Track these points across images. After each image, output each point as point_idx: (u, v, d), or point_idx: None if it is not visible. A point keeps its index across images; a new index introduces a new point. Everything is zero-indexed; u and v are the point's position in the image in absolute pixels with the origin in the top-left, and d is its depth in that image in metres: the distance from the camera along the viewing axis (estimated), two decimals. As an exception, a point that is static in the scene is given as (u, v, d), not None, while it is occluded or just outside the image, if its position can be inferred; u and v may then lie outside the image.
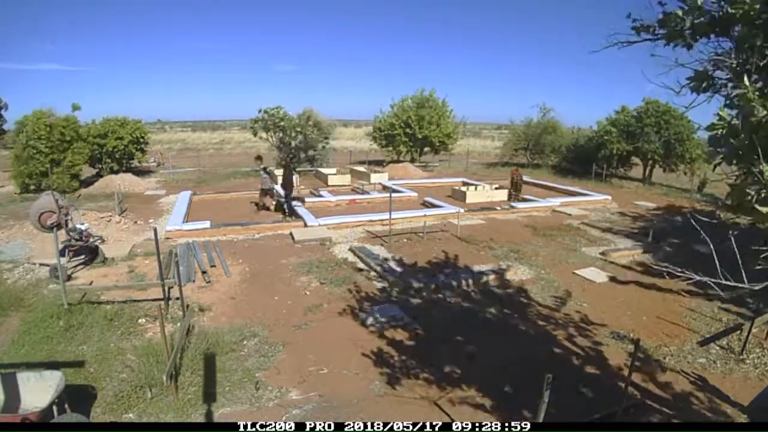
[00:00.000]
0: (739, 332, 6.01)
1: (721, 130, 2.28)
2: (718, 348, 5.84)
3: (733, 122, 2.23)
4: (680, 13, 2.68)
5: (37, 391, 3.84)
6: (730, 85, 2.61)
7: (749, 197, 2.23)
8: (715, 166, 2.47)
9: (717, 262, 2.63)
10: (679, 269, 2.84)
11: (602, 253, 9.70)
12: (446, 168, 24.89)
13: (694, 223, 3.25)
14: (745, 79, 2.15)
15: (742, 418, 4.42)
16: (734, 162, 2.36)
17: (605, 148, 20.90)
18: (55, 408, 3.74)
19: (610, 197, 16.01)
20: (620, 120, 21.44)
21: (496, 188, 16.07)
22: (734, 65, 2.52)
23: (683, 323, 6.56)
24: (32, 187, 15.58)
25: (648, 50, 2.92)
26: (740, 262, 2.65)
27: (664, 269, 3.28)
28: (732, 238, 2.61)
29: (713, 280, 2.55)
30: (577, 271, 8.55)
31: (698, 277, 2.61)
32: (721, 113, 2.29)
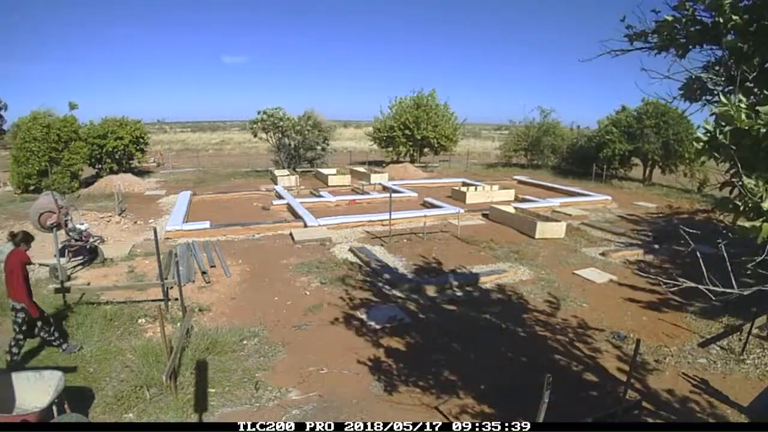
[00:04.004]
0: (739, 333, 6.02)
1: (704, 144, 2.28)
2: (718, 348, 5.84)
3: (717, 135, 2.22)
4: (671, 19, 2.69)
5: (37, 391, 3.83)
6: (719, 96, 2.62)
7: (737, 206, 2.23)
8: (702, 163, 2.52)
9: (704, 269, 2.66)
10: (668, 278, 2.85)
11: (602, 254, 9.69)
12: (446, 168, 24.90)
13: (684, 230, 3.23)
14: (721, 97, 2.15)
15: (742, 419, 4.41)
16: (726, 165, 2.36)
17: (607, 148, 20.91)
18: (54, 408, 3.74)
19: (610, 198, 16.02)
20: (621, 120, 21.45)
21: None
22: (723, 75, 2.53)
23: (683, 324, 6.56)
24: (32, 187, 15.60)
25: (643, 56, 2.93)
26: (730, 269, 2.66)
27: (653, 276, 3.31)
28: (722, 246, 2.61)
29: (704, 286, 2.55)
30: (577, 272, 8.55)
31: (688, 284, 2.61)
32: (706, 126, 2.29)
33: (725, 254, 2.60)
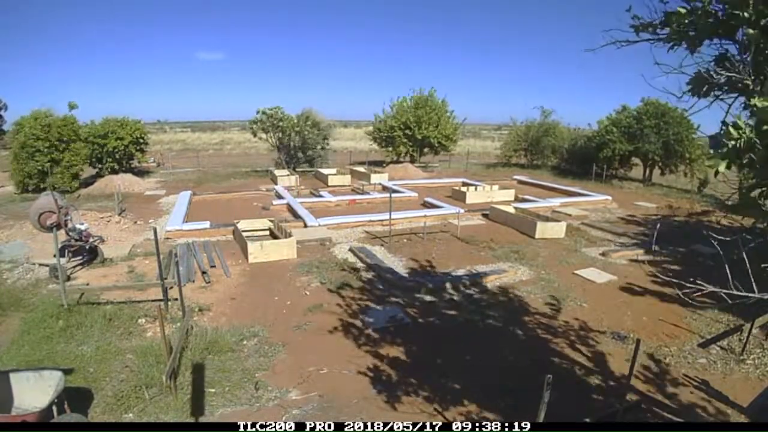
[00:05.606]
0: (739, 333, 6.02)
1: (737, 141, 2.05)
2: (718, 349, 5.83)
3: (750, 135, 2.00)
4: (683, 11, 2.58)
5: (37, 392, 3.83)
6: (735, 94, 2.49)
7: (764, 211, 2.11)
8: (716, 173, 2.23)
9: (729, 273, 2.53)
10: (689, 280, 2.73)
11: (602, 254, 9.68)
12: (446, 168, 24.89)
13: (714, 237, 3.06)
14: None
15: (742, 419, 4.41)
16: (747, 171, 2.19)
17: (607, 148, 20.90)
18: (54, 408, 3.73)
19: (610, 198, 16.00)
20: (621, 120, 21.45)
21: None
22: (747, 72, 2.38)
23: (684, 324, 6.56)
24: (31, 187, 15.60)
25: (649, 49, 2.83)
26: (750, 271, 2.53)
27: (673, 280, 3.16)
28: (742, 249, 2.49)
29: (725, 291, 2.45)
30: (577, 272, 8.54)
31: (710, 288, 2.51)
32: (738, 121, 2.08)
33: (746, 258, 2.49)
